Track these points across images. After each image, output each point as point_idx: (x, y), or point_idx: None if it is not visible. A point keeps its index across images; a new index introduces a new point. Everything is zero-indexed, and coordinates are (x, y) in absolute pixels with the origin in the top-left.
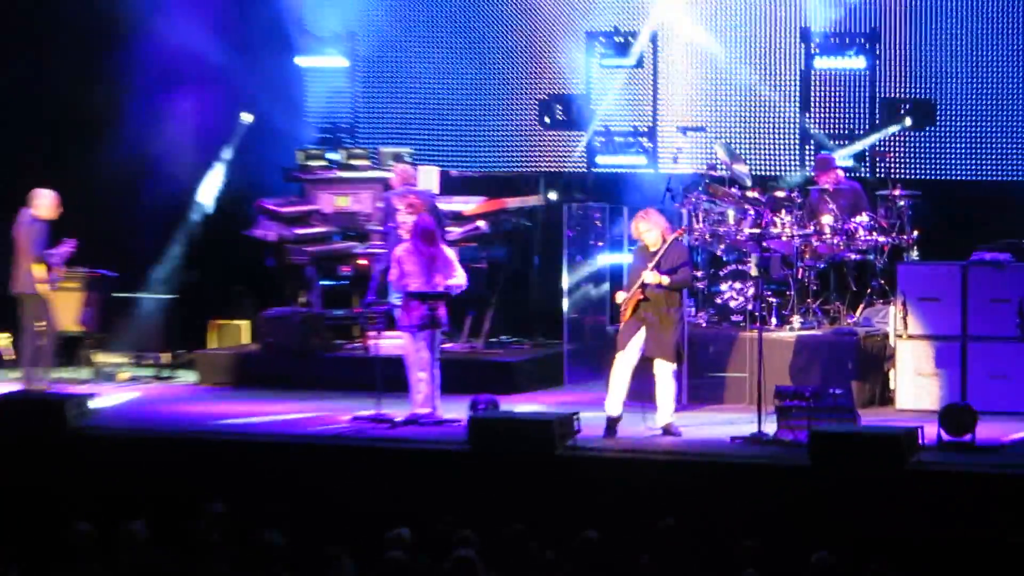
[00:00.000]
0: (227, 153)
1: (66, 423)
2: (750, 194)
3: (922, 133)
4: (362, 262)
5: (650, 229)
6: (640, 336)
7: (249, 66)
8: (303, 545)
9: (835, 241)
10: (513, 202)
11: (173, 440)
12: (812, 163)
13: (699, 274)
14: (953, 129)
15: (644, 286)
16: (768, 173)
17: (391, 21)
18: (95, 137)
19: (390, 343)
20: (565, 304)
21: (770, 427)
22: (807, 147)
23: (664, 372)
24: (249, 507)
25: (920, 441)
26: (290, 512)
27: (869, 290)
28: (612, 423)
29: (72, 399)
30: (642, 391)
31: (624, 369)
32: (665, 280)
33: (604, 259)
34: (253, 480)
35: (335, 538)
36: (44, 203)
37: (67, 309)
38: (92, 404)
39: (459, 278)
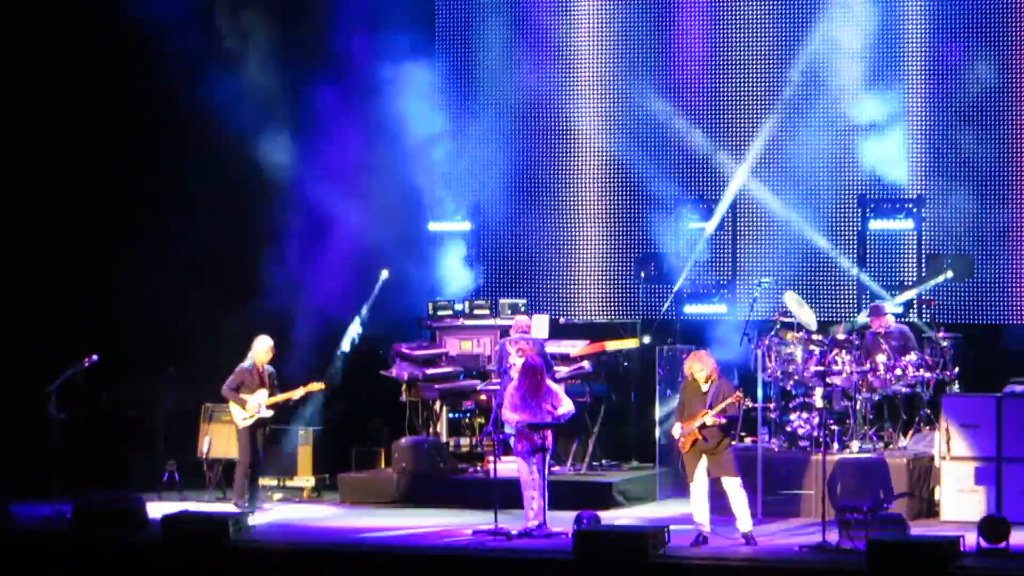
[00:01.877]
0: (368, 304)
1: (227, 538)
2: (815, 337)
3: (962, 284)
4: (483, 397)
5: (703, 369)
6: (703, 463)
7: (389, 229)
8: None
9: (888, 377)
10: (612, 345)
11: (317, 552)
12: (868, 310)
13: (772, 406)
14: (989, 280)
15: (703, 427)
16: (830, 319)
17: (508, 191)
18: (252, 288)
19: (506, 467)
20: (657, 432)
21: (833, 537)
22: (863, 296)
23: (732, 486)
24: None
25: (962, 548)
26: None
27: (918, 418)
28: (700, 537)
29: (233, 517)
30: (721, 506)
31: (700, 494)
32: (722, 421)
33: None
34: None
35: None
36: (255, 347)
37: (233, 438)
38: (250, 521)
39: (566, 407)
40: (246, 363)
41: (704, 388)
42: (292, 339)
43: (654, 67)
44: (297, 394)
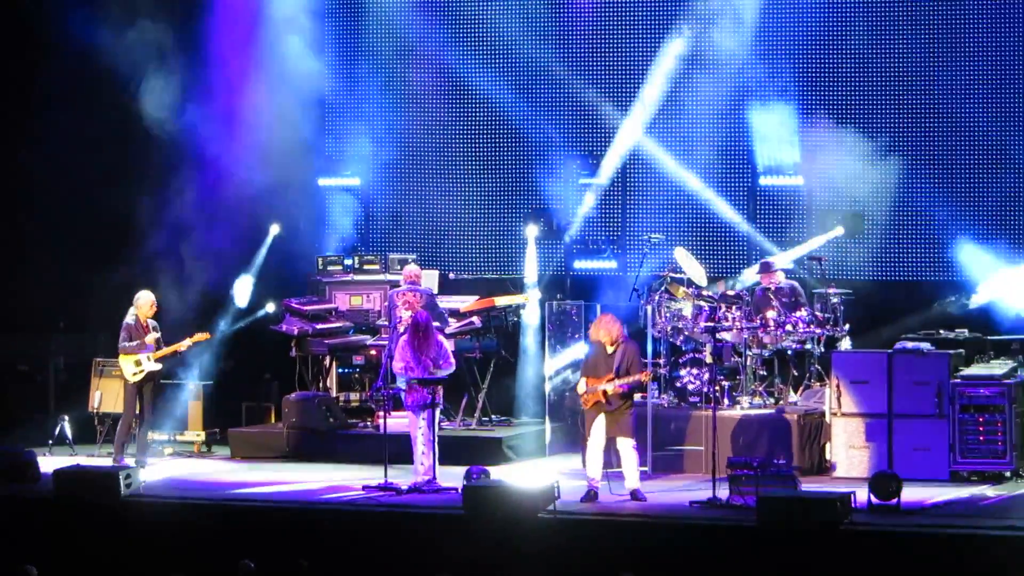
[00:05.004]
0: (258, 259)
1: (118, 492)
2: (705, 293)
3: (852, 240)
4: (372, 352)
5: (607, 335)
6: (601, 420)
7: (278, 182)
8: None
9: (778, 333)
10: (502, 300)
11: (208, 506)
12: (758, 266)
13: (661, 361)
14: (879, 237)
15: (605, 392)
16: (720, 275)
17: (398, 147)
18: (137, 238)
19: (396, 422)
20: (547, 387)
21: (723, 492)
22: (754, 252)
23: (626, 447)
24: (273, 565)
25: (853, 504)
26: (310, 568)
27: (808, 374)
28: (592, 492)
29: (124, 471)
30: (610, 463)
31: (595, 450)
32: (623, 389)
33: (580, 349)
34: (278, 541)
35: None
36: (139, 303)
37: (120, 392)
38: (140, 476)
39: (448, 366)
40: (129, 319)
41: (610, 351)
42: (178, 291)
43: (544, 22)
44: (184, 345)
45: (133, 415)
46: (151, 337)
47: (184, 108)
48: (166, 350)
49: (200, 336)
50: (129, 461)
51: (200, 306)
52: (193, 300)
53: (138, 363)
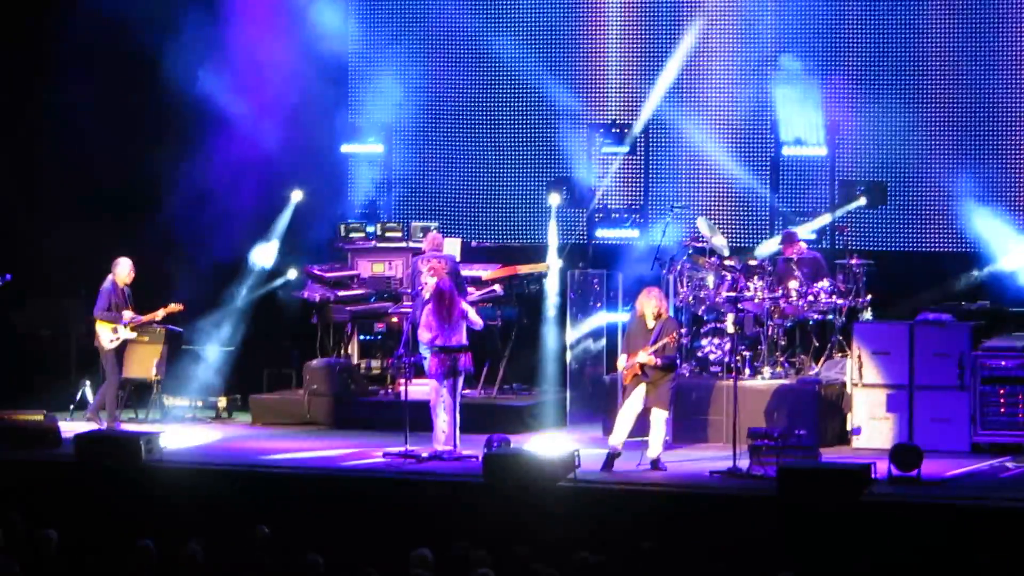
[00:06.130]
0: (280, 225)
1: (139, 457)
2: (727, 262)
3: (875, 211)
4: (394, 320)
5: (651, 306)
6: (641, 390)
7: (302, 151)
8: (339, 565)
9: (800, 303)
10: (524, 268)
11: (228, 472)
12: (780, 236)
13: (683, 331)
14: (902, 207)
15: (642, 364)
16: (742, 244)
17: (421, 114)
18: (161, 204)
19: (418, 389)
20: (568, 356)
21: (744, 463)
22: (776, 222)
23: (658, 418)
24: (293, 531)
25: (873, 476)
26: (328, 535)
27: (829, 345)
28: (611, 457)
29: (144, 437)
30: (636, 431)
31: (627, 416)
32: (658, 362)
33: (601, 318)
34: (297, 507)
35: (367, 558)
36: (117, 270)
37: (143, 359)
38: (161, 441)
39: (475, 320)
40: (107, 284)
41: (651, 325)
42: (197, 256)
43: None
44: (158, 315)
45: (119, 378)
46: (128, 313)
47: (205, 70)
48: (141, 319)
49: (173, 307)
50: (89, 424)
51: (220, 271)
52: (213, 265)
53: (115, 330)
